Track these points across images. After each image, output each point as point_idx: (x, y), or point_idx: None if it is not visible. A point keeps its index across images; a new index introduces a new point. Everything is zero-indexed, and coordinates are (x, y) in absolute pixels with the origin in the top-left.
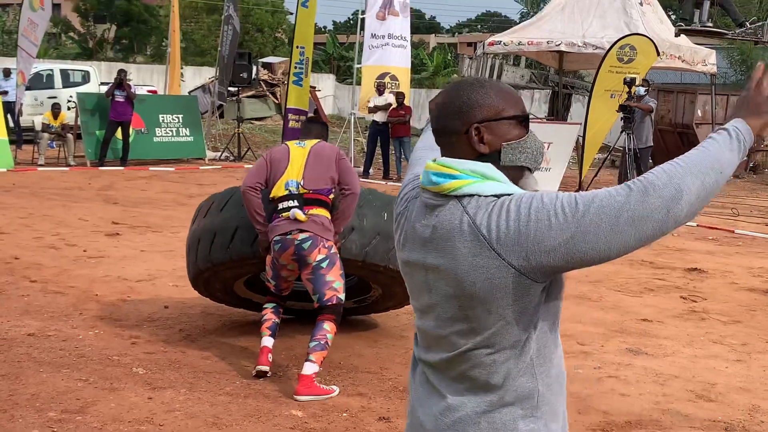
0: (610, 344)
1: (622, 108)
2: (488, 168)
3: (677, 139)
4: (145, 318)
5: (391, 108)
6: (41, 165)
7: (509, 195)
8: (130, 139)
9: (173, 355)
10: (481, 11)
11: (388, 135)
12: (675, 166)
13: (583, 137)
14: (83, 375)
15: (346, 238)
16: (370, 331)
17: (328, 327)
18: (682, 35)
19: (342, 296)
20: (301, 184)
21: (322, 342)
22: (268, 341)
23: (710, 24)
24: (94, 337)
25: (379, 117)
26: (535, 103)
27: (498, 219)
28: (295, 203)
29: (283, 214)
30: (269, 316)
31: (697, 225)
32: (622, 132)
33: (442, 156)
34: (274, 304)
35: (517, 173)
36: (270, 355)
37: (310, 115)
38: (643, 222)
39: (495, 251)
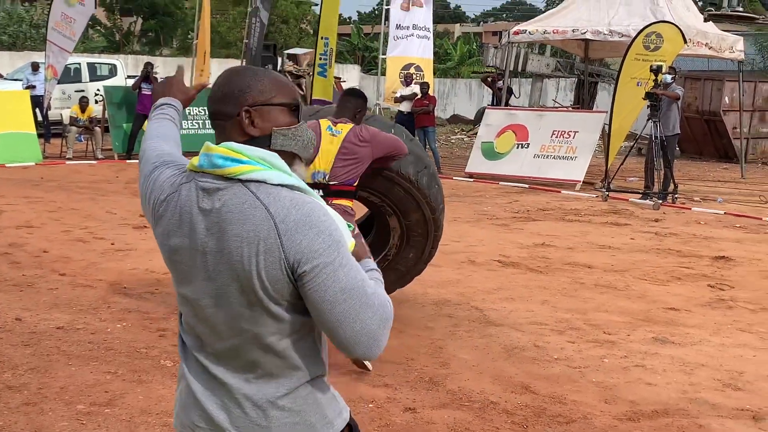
0: (636, 333)
1: (649, 96)
2: (275, 158)
3: (704, 126)
4: (173, 310)
5: (415, 98)
6: (69, 158)
7: (297, 187)
8: None
9: None
10: (506, 0)
11: (414, 125)
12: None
13: (609, 125)
14: (112, 368)
15: None
16: (396, 322)
17: None
18: (709, 22)
19: None
20: (327, 176)
21: None
22: None
23: (740, 8)
24: (123, 330)
25: (405, 107)
26: (561, 91)
27: (289, 211)
28: (320, 192)
29: None
30: None
31: (725, 213)
32: (648, 120)
33: (218, 140)
34: None
35: (288, 159)
36: None
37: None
38: (356, 318)
39: (280, 240)
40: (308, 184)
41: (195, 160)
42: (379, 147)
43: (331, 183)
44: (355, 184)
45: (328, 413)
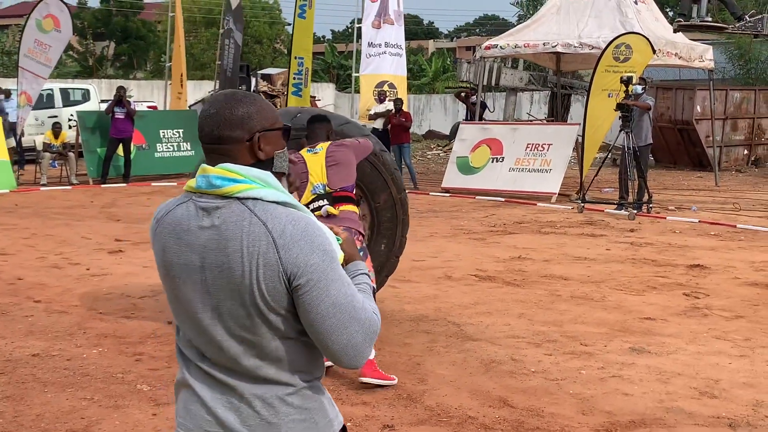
0: (613, 344)
1: (620, 107)
2: (269, 176)
3: (677, 135)
4: (149, 334)
5: (389, 114)
6: (44, 185)
7: (290, 204)
8: (132, 156)
9: (177, 370)
10: (479, 15)
11: (389, 142)
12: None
13: (583, 137)
14: (88, 394)
15: None
16: None
17: None
18: (679, 32)
19: (374, 285)
20: (327, 185)
21: None
22: None
23: (709, 18)
24: (99, 356)
25: (379, 124)
26: (535, 104)
27: (286, 226)
28: (325, 202)
29: (315, 213)
30: None
31: (700, 221)
32: (621, 131)
33: (215, 163)
34: None
35: (278, 177)
36: None
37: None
38: (344, 332)
39: (278, 253)
40: (311, 198)
41: (192, 182)
42: (359, 150)
43: (333, 191)
44: (354, 192)
45: (330, 414)
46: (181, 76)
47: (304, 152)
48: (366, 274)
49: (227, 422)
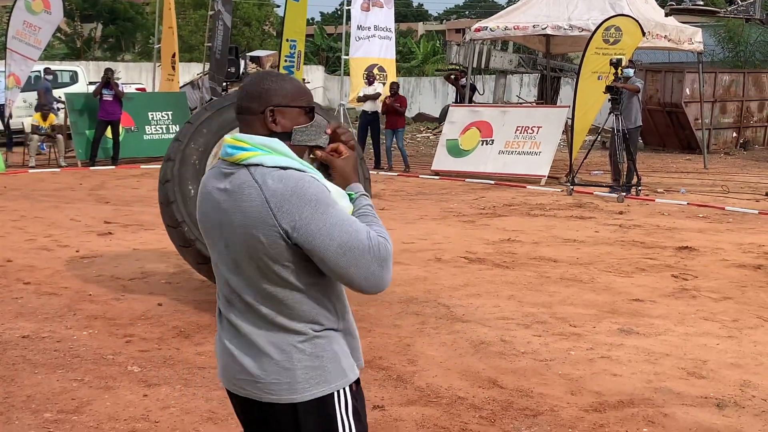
0: (601, 325)
1: (609, 89)
2: (276, 143)
3: (666, 118)
4: (139, 316)
5: (385, 98)
6: (32, 167)
7: (294, 168)
8: (120, 138)
9: (168, 351)
10: None
11: (378, 124)
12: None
13: (572, 120)
14: (78, 375)
15: None
16: (364, 321)
17: None
18: (670, 16)
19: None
20: None
21: None
22: None
23: (701, 2)
24: (89, 337)
25: (369, 106)
26: (525, 87)
27: (276, 186)
28: None
29: None
30: None
31: (688, 203)
32: (610, 113)
33: (241, 133)
34: None
35: (303, 150)
36: None
37: None
38: (357, 264)
39: (272, 212)
40: None
41: (222, 151)
42: None
43: None
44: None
45: (343, 364)
46: (173, 57)
47: None
48: (365, 195)
49: (251, 370)
